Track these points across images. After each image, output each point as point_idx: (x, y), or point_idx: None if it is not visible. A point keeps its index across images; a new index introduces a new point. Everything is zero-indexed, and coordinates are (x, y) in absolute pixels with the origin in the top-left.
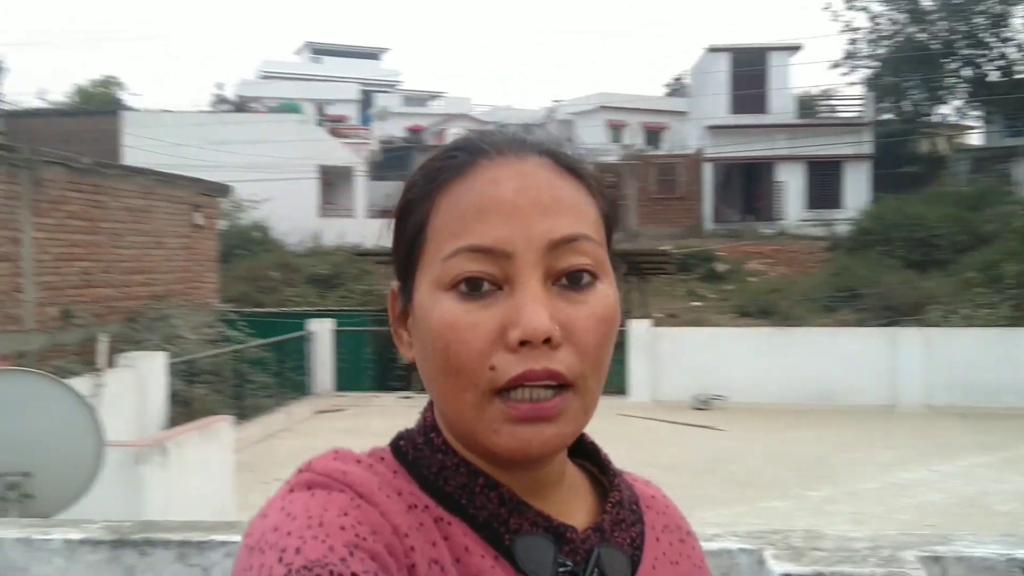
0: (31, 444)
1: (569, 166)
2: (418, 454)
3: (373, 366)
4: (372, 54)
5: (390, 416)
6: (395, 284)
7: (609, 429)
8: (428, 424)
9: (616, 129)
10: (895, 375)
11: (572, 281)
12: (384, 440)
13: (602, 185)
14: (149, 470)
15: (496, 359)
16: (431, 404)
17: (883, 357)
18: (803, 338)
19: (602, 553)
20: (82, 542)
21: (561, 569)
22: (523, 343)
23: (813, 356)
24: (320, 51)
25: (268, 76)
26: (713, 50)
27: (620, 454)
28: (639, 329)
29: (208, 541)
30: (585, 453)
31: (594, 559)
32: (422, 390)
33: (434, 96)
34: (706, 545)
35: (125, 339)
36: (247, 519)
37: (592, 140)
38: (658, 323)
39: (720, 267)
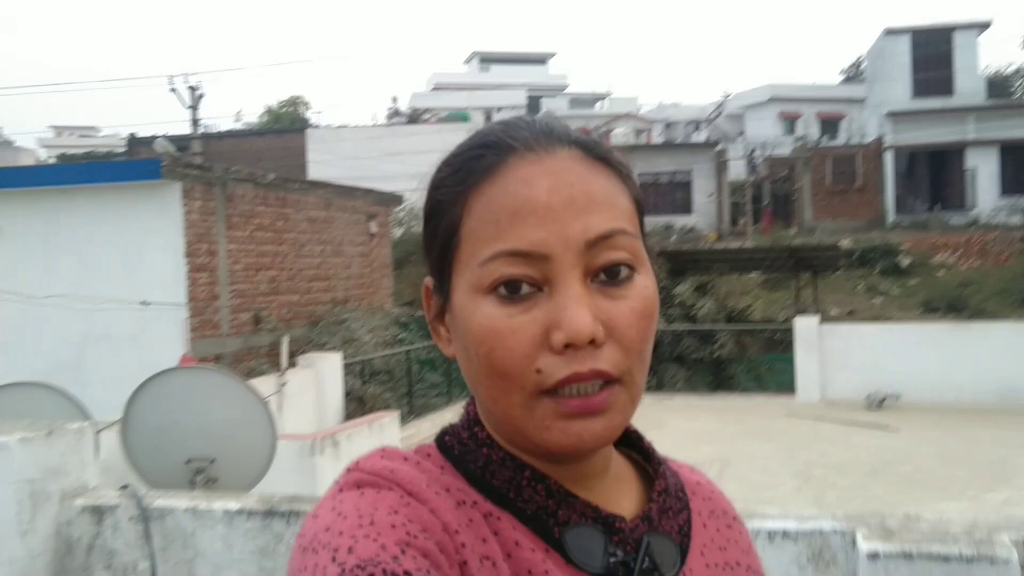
0: (215, 434)
1: (598, 155)
2: (463, 449)
3: None
4: (539, 59)
5: None
6: (428, 280)
7: (776, 428)
8: (471, 418)
9: (789, 120)
10: None
11: (610, 276)
12: None
13: (630, 170)
14: (322, 460)
15: (541, 362)
16: (473, 398)
17: None
18: (984, 333)
19: (652, 541)
20: (239, 512)
21: (612, 559)
22: (567, 346)
23: (996, 352)
24: (488, 59)
25: (439, 87)
26: (891, 32)
27: (783, 454)
28: (806, 326)
29: None
30: (629, 442)
31: (644, 548)
32: None
33: (600, 98)
34: (799, 526)
35: (308, 341)
36: None
37: (764, 133)
38: (829, 319)
39: (904, 261)
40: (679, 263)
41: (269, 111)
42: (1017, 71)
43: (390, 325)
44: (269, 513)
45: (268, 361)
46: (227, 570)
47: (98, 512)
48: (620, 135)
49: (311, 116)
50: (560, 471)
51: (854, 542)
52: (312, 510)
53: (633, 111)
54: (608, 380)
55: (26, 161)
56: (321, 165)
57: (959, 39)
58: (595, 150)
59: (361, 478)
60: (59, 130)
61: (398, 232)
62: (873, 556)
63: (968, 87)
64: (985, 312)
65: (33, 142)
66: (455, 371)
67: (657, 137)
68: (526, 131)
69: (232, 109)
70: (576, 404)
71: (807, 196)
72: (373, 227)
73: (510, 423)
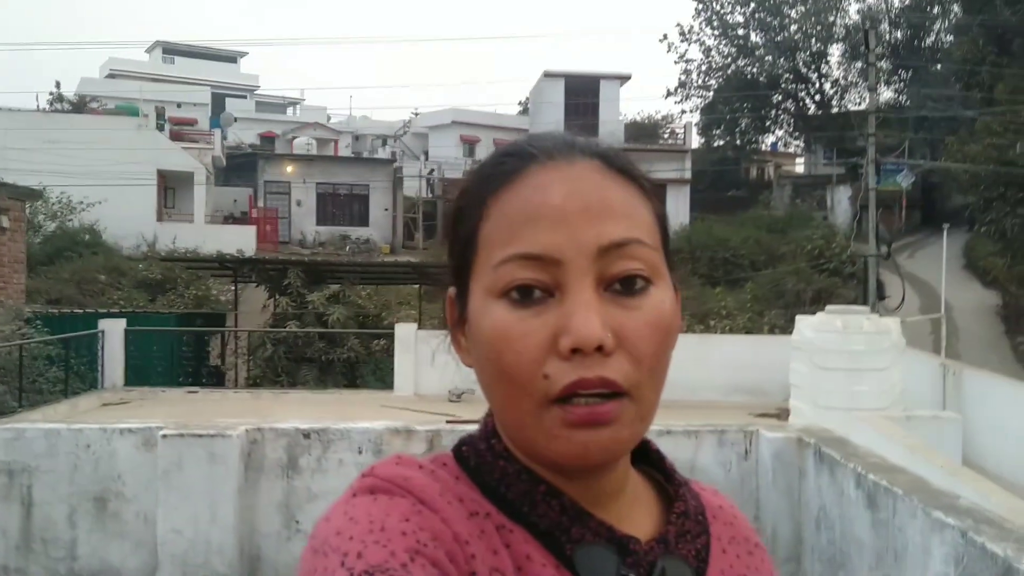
0: None
1: (620, 168)
2: (480, 460)
3: (165, 363)
4: (229, 57)
5: (174, 407)
6: (451, 290)
7: (363, 416)
8: (489, 430)
9: (470, 144)
10: None
11: (625, 287)
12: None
13: (653, 185)
14: None
15: (549, 367)
16: (491, 411)
17: None
18: None
19: (666, 565)
20: None
21: None
22: (575, 351)
23: None
24: (172, 51)
25: (115, 75)
26: (549, 75)
27: None
28: (405, 332)
29: None
30: (650, 461)
31: (658, 572)
32: (208, 384)
33: (291, 103)
34: None
35: None
36: None
37: (445, 153)
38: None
39: None
40: (315, 273)
41: None
42: (662, 119)
43: (13, 321)
44: None
45: None
46: None
47: None
48: (303, 143)
49: None
50: (576, 488)
51: None
52: (325, 513)
53: (322, 121)
54: (616, 391)
55: None
56: None
57: (604, 88)
58: (618, 163)
59: (375, 484)
60: None
61: (51, 226)
62: None
63: (610, 129)
64: None
65: None
66: (80, 365)
67: (345, 149)
68: (549, 141)
69: None
70: (582, 413)
71: None
72: (4, 222)
73: (521, 431)
